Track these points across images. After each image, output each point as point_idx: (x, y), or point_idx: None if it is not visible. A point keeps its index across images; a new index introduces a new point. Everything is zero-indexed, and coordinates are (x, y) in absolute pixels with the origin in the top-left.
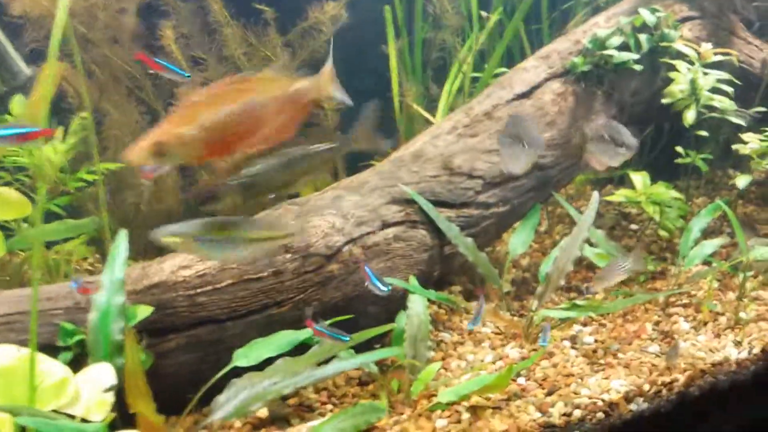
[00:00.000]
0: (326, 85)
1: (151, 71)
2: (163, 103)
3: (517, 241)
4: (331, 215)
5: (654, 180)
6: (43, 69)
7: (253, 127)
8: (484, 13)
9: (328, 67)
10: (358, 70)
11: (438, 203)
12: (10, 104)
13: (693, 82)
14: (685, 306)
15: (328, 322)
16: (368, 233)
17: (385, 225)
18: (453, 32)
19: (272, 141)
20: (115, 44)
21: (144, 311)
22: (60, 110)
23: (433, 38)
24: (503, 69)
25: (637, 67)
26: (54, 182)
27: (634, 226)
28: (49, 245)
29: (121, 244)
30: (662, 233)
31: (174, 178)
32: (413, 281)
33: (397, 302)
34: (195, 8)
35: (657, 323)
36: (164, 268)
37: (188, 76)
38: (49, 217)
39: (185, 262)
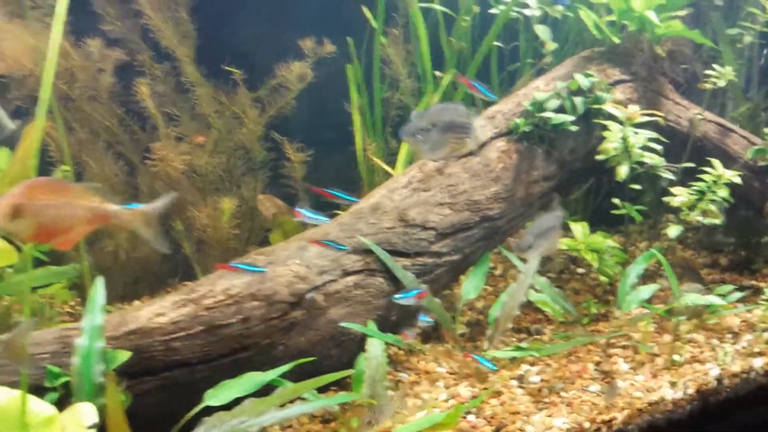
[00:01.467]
0: (136, 222)
1: None
2: (140, 156)
3: (470, 286)
4: (296, 264)
5: (600, 225)
6: (30, 125)
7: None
8: (438, 73)
9: (148, 208)
10: (321, 124)
11: (394, 253)
12: None
13: (624, 141)
14: (624, 347)
15: (291, 364)
16: (330, 281)
17: (346, 273)
18: (409, 92)
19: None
20: (94, 101)
21: (123, 356)
22: (42, 163)
23: (390, 97)
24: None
25: (573, 128)
26: None
27: (581, 270)
28: (32, 289)
29: (98, 291)
30: (602, 279)
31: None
32: (371, 325)
33: (357, 345)
34: (169, 69)
35: (598, 363)
36: (141, 315)
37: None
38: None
39: (161, 310)
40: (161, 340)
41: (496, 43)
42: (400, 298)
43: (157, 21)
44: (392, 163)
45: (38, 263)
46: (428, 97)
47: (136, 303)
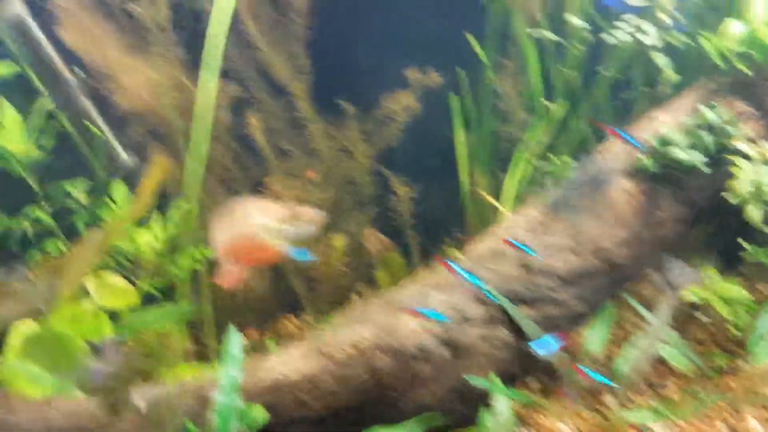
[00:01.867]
0: None
1: None
2: (251, 192)
3: (594, 338)
4: None
5: (720, 268)
6: (155, 162)
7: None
8: (548, 104)
9: None
10: (427, 157)
11: (517, 301)
12: (112, 191)
13: (757, 181)
14: (756, 405)
15: (418, 419)
16: (455, 332)
17: (470, 324)
18: (519, 125)
19: None
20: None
21: (260, 415)
22: (161, 198)
23: (499, 130)
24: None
25: (707, 170)
26: (154, 268)
27: (704, 318)
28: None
29: (233, 342)
30: (731, 330)
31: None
32: (495, 379)
33: (481, 399)
34: (284, 103)
35: (728, 422)
36: (271, 368)
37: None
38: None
39: (291, 361)
40: (292, 394)
41: (608, 73)
42: (537, 347)
43: (272, 56)
44: (499, 200)
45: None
46: (539, 129)
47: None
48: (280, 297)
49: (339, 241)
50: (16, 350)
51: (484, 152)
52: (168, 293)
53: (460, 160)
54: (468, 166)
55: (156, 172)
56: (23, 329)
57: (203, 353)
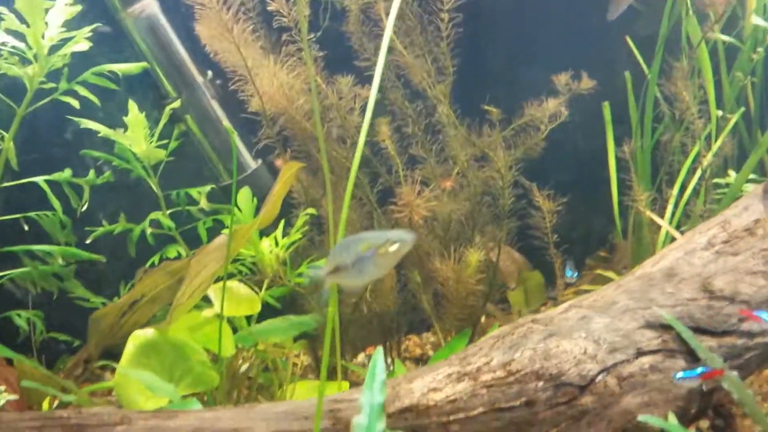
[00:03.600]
0: None
1: None
2: (378, 203)
3: None
4: (582, 339)
5: None
6: (286, 166)
7: None
8: (720, 112)
9: None
10: (575, 168)
11: (697, 330)
12: (236, 196)
13: None
14: None
15: None
16: (622, 362)
17: (641, 353)
18: (691, 135)
19: None
20: (341, 144)
21: None
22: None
23: (665, 140)
24: (754, 176)
25: None
26: (274, 277)
27: None
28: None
29: (378, 364)
30: None
31: (391, 278)
32: (672, 419)
33: None
34: (421, 108)
35: None
36: (414, 389)
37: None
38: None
39: (435, 384)
40: (438, 421)
41: None
42: (683, 378)
43: (409, 58)
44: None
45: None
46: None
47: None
48: (405, 314)
49: (474, 256)
50: (131, 357)
51: (644, 165)
52: (287, 304)
53: (611, 173)
54: (620, 179)
55: (287, 177)
56: (140, 337)
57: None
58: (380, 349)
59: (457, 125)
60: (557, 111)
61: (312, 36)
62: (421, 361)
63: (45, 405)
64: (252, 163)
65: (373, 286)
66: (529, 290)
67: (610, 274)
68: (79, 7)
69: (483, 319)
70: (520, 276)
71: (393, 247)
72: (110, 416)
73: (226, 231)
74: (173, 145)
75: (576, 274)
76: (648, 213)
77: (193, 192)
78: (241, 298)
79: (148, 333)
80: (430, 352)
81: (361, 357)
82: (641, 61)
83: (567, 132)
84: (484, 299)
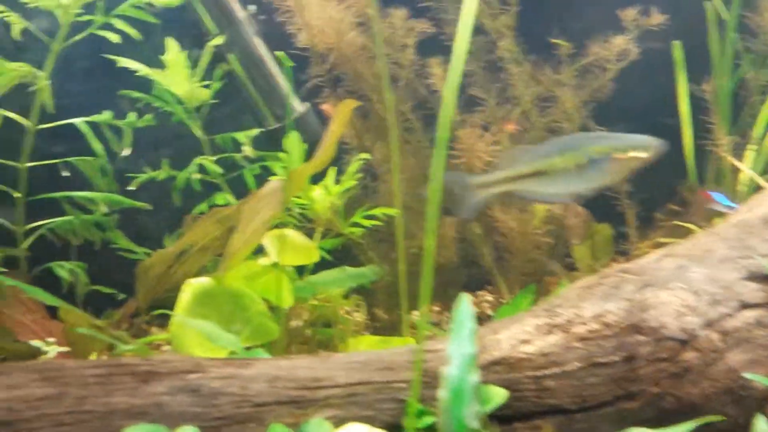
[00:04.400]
0: None
1: None
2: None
3: None
4: (681, 290)
5: None
6: (340, 107)
7: None
8: None
9: None
10: (646, 112)
11: None
12: (284, 141)
13: None
14: None
15: (691, 424)
16: (725, 315)
17: (744, 306)
18: None
19: None
20: (393, 84)
21: (498, 395)
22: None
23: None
24: None
25: None
26: (328, 225)
27: None
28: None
29: (465, 310)
30: None
31: (452, 231)
32: None
33: (757, 403)
34: (481, 44)
35: None
36: (501, 341)
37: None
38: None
39: (524, 336)
40: (531, 375)
41: None
42: None
43: None
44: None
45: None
46: None
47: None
48: (466, 269)
49: (540, 207)
50: (186, 306)
51: (724, 107)
52: (339, 256)
53: (683, 118)
54: (694, 124)
55: (343, 116)
56: (196, 285)
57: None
58: (466, 295)
59: (521, 61)
60: (625, 49)
61: None
62: (480, 320)
63: (93, 357)
64: (299, 107)
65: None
66: (596, 245)
67: (689, 225)
68: None
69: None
70: (587, 229)
71: (635, 154)
72: (182, 363)
73: (274, 178)
74: (216, 86)
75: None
76: (730, 158)
77: (240, 136)
78: (297, 247)
79: (203, 281)
80: (489, 311)
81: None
82: None
83: (633, 73)
84: (550, 253)
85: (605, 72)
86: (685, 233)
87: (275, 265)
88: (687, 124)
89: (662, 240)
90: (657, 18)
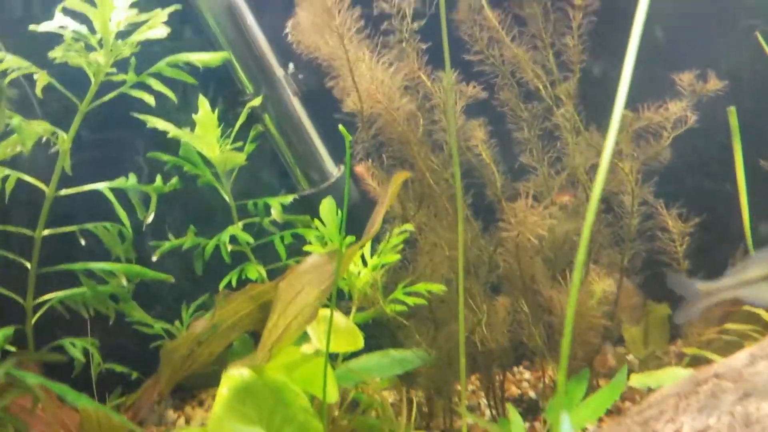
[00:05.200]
0: None
1: None
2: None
3: None
4: None
5: None
6: (394, 177)
7: None
8: None
9: None
10: (707, 181)
11: None
12: (319, 207)
13: None
14: None
15: None
16: None
17: None
18: None
19: None
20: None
21: None
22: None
23: None
24: None
25: None
26: (365, 301)
27: None
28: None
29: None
30: None
31: (505, 313)
32: None
33: None
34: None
35: None
36: None
37: None
38: None
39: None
40: None
41: None
42: None
43: (520, 50)
44: None
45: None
46: None
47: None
48: (514, 347)
49: (599, 285)
50: (225, 404)
51: None
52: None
53: (740, 188)
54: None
55: (394, 189)
56: (235, 378)
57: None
58: (566, 416)
59: (581, 129)
60: (682, 115)
61: (416, 25)
62: (521, 402)
63: None
64: (334, 170)
65: (486, 320)
66: (650, 326)
67: (761, 312)
68: None
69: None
70: (642, 309)
71: None
72: None
73: (308, 247)
74: (249, 148)
75: None
76: None
77: (273, 202)
78: (341, 331)
79: (243, 374)
80: (530, 393)
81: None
82: None
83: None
84: (603, 335)
85: (661, 139)
86: (748, 315)
87: (318, 352)
88: (743, 193)
89: (729, 327)
90: (715, 83)
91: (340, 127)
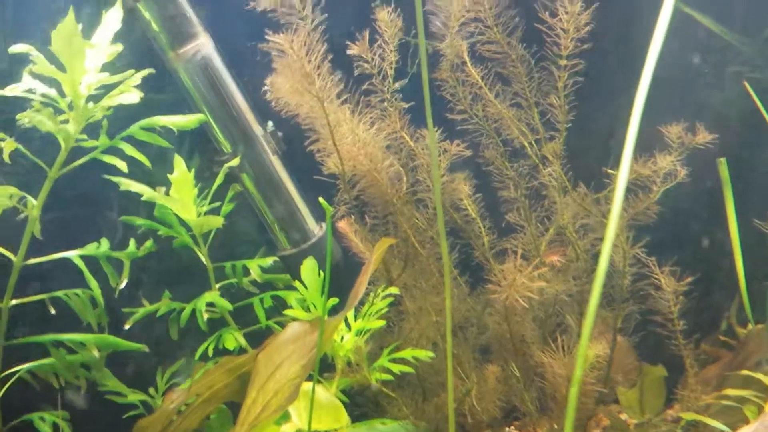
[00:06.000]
0: None
1: None
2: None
3: None
4: None
5: None
6: (378, 244)
7: None
8: None
9: None
10: (699, 238)
11: None
12: (300, 269)
13: None
14: None
15: None
16: None
17: None
18: None
19: None
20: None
21: None
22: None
23: None
24: None
25: None
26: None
27: None
28: None
29: None
30: None
31: (495, 382)
32: None
33: None
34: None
35: None
36: None
37: None
38: None
39: None
40: None
41: None
42: None
43: (504, 109)
44: None
45: None
46: None
47: None
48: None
49: (592, 350)
50: None
51: None
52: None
53: (733, 243)
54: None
55: (378, 255)
56: None
57: None
58: None
59: (569, 189)
60: (672, 169)
61: (398, 85)
62: None
63: None
64: (315, 228)
65: (477, 389)
66: (646, 389)
67: (760, 376)
68: (120, 47)
69: None
70: (638, 370)
71: None
72: None
73: (289, 312)
74: (227, 209)
75: None
76: None
77: (252, 265)
78: (323, 407)
79: None
80: None
81: None
82: (762, 110)
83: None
84: (595, 401)
85: (650, 194)
86: (745, 379)
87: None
88: (737, 246)
89: (729, 392)
90: (704, 136)
91: (321, 200)
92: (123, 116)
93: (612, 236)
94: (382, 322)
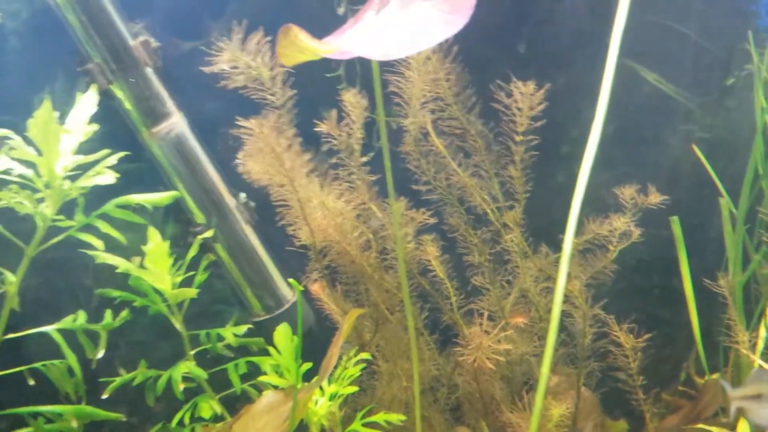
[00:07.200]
0: None
1: None
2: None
3: None
4: None
5: None
6: (349, 314)
7: None
8: None
9: None
10: (655, 296)
11: None
12: (273, 334)
13: None
14: None
15: None
16: None
17: None
18: None
19: None
20: (390, 271)
21: None
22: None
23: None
24: None
25: None
26: None
27: None
28: None
29: None
30: None
31: None
32: None
33: None
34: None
35: None
36: None
37: None
38: None
39: None
40: None
41: None
42: None
43: (466, 178)
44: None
45: None
46: None
47: None
48: None
49: (556, 409)
50: None
51: (737, 299)
52: None
53: (689, 303)
54: (699, 311)
55: (348, 325)
56: None
57: None
58: None
59: (529, 253)
60: (626, 230)
61: (364, 159)
62: None
63: None
64: (289, 294)
65: None
66: None
67: (716, 430)
68: (96, 126)
69: None
70: (601, 426)
71: None
72: None
73: (264, 378)
74: (201, 278)
75: None
76: (754, 357)
77: (227, 333)
78: None
79: None
80: None
81: None
82: (712, 173)
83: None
84: None
85: (607, 253)
86: None
87: None
88: (692, 302)
89: None
90: (656, 196)
91: (291, 281)
92: (100, 188)
93: (560, 300)
94: (354, 388)
